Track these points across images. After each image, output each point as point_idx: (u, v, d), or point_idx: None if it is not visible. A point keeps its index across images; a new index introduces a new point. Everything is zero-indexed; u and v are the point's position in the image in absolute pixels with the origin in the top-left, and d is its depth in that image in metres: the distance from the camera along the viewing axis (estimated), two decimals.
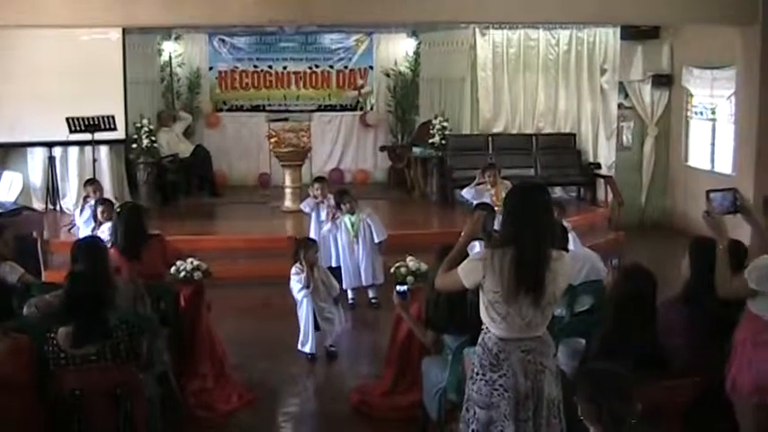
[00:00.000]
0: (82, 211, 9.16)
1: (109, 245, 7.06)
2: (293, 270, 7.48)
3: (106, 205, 8.45)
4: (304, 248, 7.46)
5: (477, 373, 4.05)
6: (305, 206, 9.74)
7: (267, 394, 6.78)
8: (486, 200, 8.72)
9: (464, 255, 4.26)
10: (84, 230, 9.00)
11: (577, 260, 6.21)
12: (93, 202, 9.08)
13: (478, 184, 9.51)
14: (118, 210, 7.69)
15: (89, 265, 5.31)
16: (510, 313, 3.95)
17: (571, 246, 6.53)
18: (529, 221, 3.96)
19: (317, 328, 7.46)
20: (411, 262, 7.01)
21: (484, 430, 4.01)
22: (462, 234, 4.44)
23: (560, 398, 4.06)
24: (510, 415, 3.95)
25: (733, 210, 4.58)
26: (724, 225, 4.51)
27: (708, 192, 4.63)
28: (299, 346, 7.51)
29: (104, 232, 7.83)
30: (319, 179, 9.99)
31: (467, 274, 4.06)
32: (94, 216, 8.42)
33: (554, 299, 4.02)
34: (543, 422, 4.00)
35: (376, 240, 9.01)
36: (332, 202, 9.30)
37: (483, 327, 4.09)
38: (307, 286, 7.34)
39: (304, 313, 7.47)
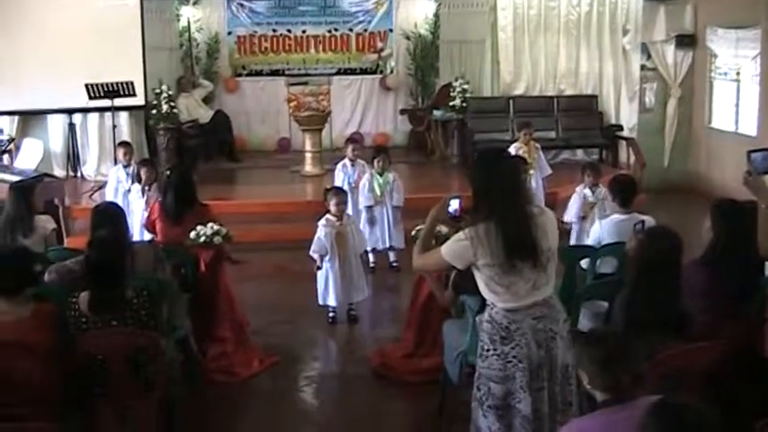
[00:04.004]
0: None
1: (151, 203, 7.17)
2: (321, 222, 7.45)
3: (149, 167, 8.47)
4: (330, 197, 7.44)
5: (488, 350, 3.97)
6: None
7: (287, 358, 6.80)
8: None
9: (434, 235, 4.19)
10: (110, 195, 9.05)
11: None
12: (122, 165, 9.21)
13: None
14: (169, 171, 7.68)
15: (110, 230, 5.29)
16: (513, 281, 3.87)
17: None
18: (502, 191, 3.90)
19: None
20: None
21: (501, 404, 3.95)
22: (429, 216, 4.41)
23: (573, 363, 3.98)
24: (525, 386, 3.89)
25: None
26: (765, 185, 4.45)
27: (749, 152, 4.58)
28: (320, 301, 7.51)
29: (139, 193, 8.12)
30: (350, 140, 10.01)
31: (456, 256, 3.97)
32: (137, 178, 8.56)
33: (551, 253, 3.95)
34: (558, 389, 3.96)
35: (393, 204, 8.99)
36: (355, 165, 9.33)
37: (488, 303, 4.02)
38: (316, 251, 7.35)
39: (324, 269, 7.43)
